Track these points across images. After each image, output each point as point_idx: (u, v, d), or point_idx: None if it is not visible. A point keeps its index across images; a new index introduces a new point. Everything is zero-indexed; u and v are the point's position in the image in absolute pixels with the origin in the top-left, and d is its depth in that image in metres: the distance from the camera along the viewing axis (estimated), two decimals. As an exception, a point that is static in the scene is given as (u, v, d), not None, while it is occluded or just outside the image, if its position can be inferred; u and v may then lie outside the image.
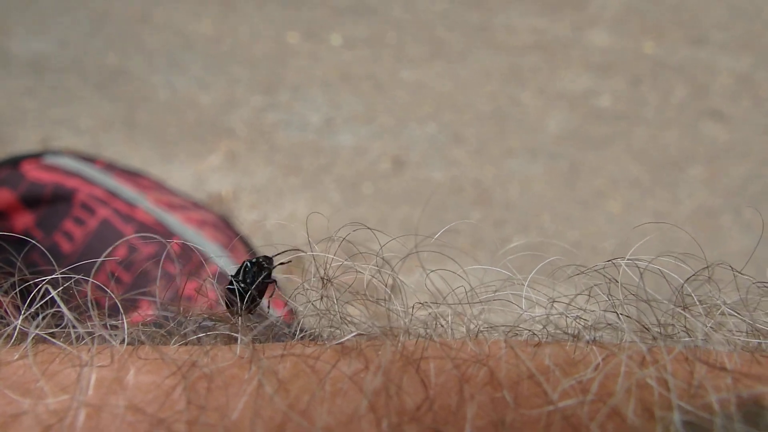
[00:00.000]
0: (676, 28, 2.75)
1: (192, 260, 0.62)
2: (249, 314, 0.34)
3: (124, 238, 0.66)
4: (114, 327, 0.29)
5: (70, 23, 2.67)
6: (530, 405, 0.25)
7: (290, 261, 0.36)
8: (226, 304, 0.34)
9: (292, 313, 0.46)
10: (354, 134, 2.20)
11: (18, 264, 0.32)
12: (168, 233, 0.67)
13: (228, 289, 0.34)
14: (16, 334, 0.28)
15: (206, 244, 0.67)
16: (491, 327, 0.29)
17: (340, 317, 0.30)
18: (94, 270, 0.31)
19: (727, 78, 2.48)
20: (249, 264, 0.35)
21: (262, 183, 2.00)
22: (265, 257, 0.35)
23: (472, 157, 2.13)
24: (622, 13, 2.83)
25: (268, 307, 0.35)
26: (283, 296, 0.37)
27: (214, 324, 0.31)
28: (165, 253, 0.42)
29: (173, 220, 0.69)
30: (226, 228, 0.77)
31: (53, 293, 0.28)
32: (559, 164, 2.11)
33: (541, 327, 0.29)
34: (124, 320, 0.29)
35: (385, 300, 0.30)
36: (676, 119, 2.31)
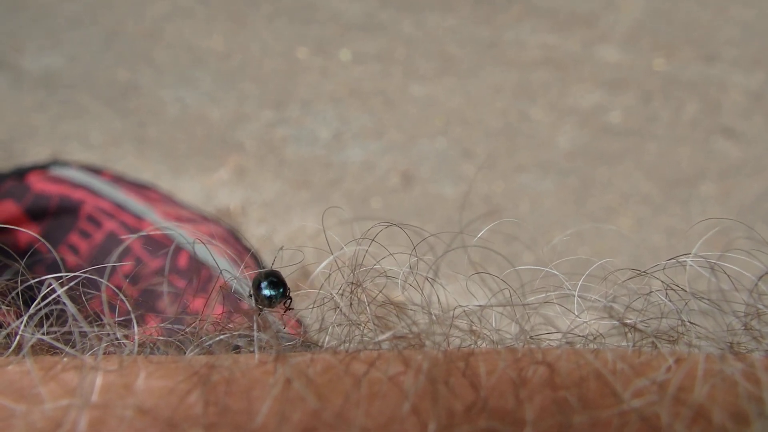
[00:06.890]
0: (688, 44, 2.74)
1: (201, 274, 0.61)
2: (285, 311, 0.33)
3: (122, 251, 0.64)
4: (123, 335, 0.27)
5: (82, 39, 2.69)
6: (598, 406, 0.23)
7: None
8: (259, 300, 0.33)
9: (300, 325, 0.45)
10: (363, 149, 2.19)
11: (22, 270, 0.30)
12: (176, 247, 0.66)
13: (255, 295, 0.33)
14: (17, 339, 0.26)
15: (215, 258, 0.66)
16: (540, 334, 0.27)
17: (373, 323, 0.28)
18: (106, 275, 0.29)
19: (739, 95, 2.47)
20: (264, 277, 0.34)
21: (270, 198, 2.00)
22: (275, 274, 0.34)
23: (482, 173, 2.12)
24: (633, 30, 2.82)
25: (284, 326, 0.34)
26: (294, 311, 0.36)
27: (230, 335, 0.29)
28: (170, 267, 0.41)
29: (182, 234, 0.68)
30: (235, 242, 0.76)
31: (59, 291, 0.26)
32: (569, 180, 2.09)
33: (595, 334, 0.27)
34: (135, 325, 0.27)
35: (422, 296, 0.28)
36: (688, 136, 2.29)
